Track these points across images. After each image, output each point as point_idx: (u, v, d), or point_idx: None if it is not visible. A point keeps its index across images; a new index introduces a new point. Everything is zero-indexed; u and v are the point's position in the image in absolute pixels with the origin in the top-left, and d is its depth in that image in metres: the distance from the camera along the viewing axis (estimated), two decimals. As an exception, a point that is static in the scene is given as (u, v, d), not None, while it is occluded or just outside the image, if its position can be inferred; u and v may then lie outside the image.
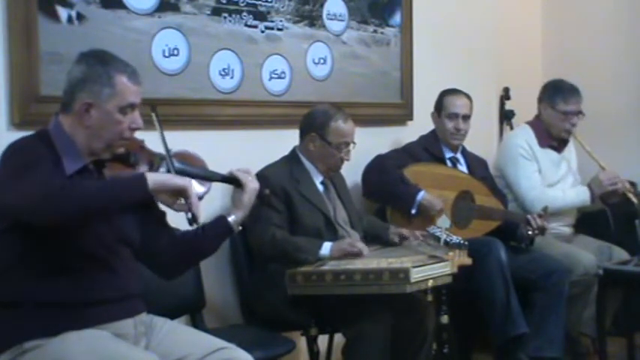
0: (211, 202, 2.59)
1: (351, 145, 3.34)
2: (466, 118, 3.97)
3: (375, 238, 3.43)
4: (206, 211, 2.58)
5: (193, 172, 2.43)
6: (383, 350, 3.05)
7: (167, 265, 2.48)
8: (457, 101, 3.96)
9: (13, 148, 2.23)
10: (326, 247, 3.16)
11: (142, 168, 2.37)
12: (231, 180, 2.49)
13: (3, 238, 2.21)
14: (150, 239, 2.43)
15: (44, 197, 2.07)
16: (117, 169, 2.33)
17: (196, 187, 2.39)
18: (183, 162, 2.43)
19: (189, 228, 2.33)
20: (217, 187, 2.59)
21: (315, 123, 3.32)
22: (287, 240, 3.15)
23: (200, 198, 2.38)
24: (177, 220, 2.47)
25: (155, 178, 2.19)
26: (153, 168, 2.37)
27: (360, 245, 3.17)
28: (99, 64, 2.28)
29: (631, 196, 4.09)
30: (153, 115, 2.40)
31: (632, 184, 4.17)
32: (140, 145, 2.42)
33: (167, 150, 2.36)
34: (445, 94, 4.00)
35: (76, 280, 2.23)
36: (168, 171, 2.34)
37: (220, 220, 2.49)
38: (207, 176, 2.49)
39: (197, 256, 2.58)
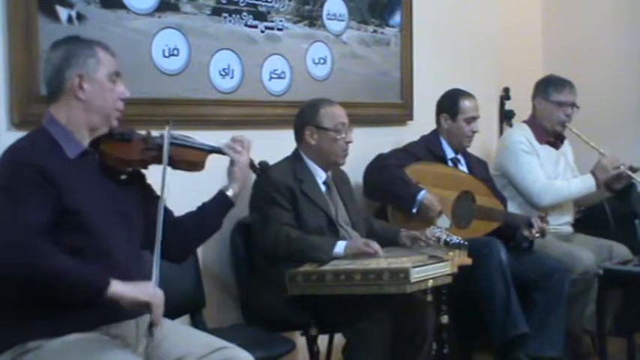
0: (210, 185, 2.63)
1: (348, 127, 3.33)
2: (477, 119, 3.99)
3: (387, 243, 3.41)
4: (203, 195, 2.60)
5: (185, 144, 2.48)
6: (382, 350, 3.05)
7: (174, 249, 2.47)
8: (473, 104, 3.97)
9: (9, 158, 2.24)
10: (340, 246, 3.16)
11: (137, 141, 2.41)
12: (221, 153, 2.54)
13: None
14: (152, 225, 2.43)
15: (5, 245, 2.09)
16: (114, 144, 2.37)
17: None
18: (176, 136, 2.47)
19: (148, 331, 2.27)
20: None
21: (305, 117, 3.34)
22: (301, 238, 3.15)
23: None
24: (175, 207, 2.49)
25: (116, 290, 2.16)
26: (148, 142, 2.41)
27: (376, 246, 3.17)
28: (76, 40, 2.36)
29: (635, 176, 4.09)
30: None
31: (633, 169, 4.14)
32: (131, 129, 2.46)
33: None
34: (459, 97, 3.97)
35: None
36: (161, 147, 2.38)
37: (220, 196, 2.53)
38: (199, 148, 2.52)
39: (203, 235, 2.60)
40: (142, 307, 2.22)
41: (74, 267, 2.17)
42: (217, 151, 2.54)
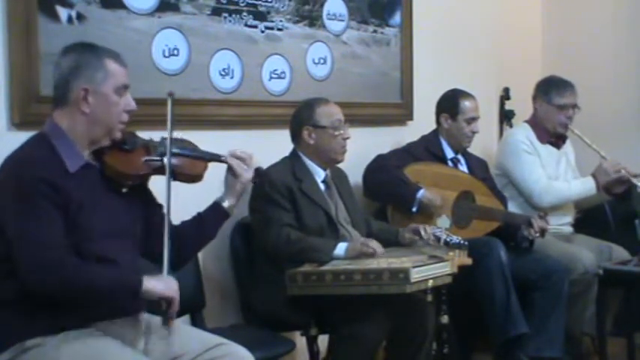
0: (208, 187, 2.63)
1: (345, 123, 3.34)
2: (478, 119, 3.99)
3: (387, 243, 3.41)
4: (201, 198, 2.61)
5: (188, 154, 2.48)
6: (373, 351, 3.07)
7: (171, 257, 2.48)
8: (474, 104, 3.97)
9: (14, 172, 2.22)
10: (341, 247, 3.16)
11: (139, 150, 2.40)
12: (227, 164, 2.54)
13: (3, 244, 2.21)
14: (151, 233, 2.44)
15: (40, 264, 2.13)
16: (115, 155, 2.36)
17: None
18: (178, 146, 2.48)
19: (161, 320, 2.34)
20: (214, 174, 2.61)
21: (302, 118, 3.35)
22: (302, 240, 3.15)
23: None
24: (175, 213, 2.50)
25: (148, 287, 2.24)
26: (150, 152, 2.41)
27: (375, 245, 3.17)
28: (87, 50, 2.33)
29: (636, 181, 4.08)
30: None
31: (634, 173, 4.14)
32: (132, 134, 2.46)
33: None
34: (460, 97, 3.97)
35: None
36: (162, 155, 2.38)
37: (216, 207, 2.53)
38: (202, 157, 2.52)
39: (198, 245, 2.60)
40: (163, 301, 2.27)
41: (106, 275, 2.23)
42: (222, 160, 2.53)
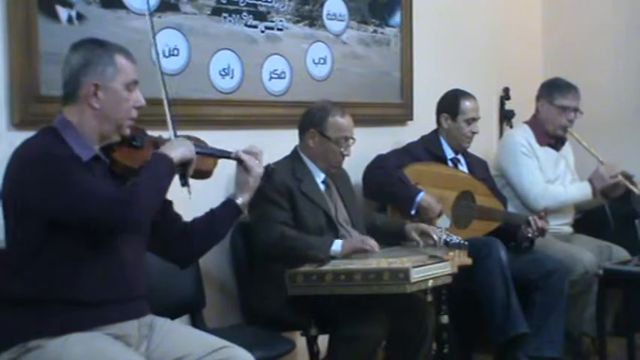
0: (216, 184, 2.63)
1: (350, 141, 3.33)
2: (478, 120, 3.99)
3: (392, 237, 3.40)
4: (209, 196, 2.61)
5: (198, 149, 2.47)
6: (373, 351, 3.07)
7: (181, 253, 2.48)
8: (474, 105, 3.97)
9: (38, 156, 2.21)
10: (337, 244, 3.16)
11: (148, 147, 2.40)
12: (238, 160, 2.52)
13: (13, 241, 2.21)
14: (161, 229, 2.44)
15: (116, 206, 2.15)
16: (124, 151, 2.36)
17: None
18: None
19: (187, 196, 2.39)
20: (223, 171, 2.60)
21: (313, 119, 3.33)
22: (296, 237, 3.14)
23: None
24: (182, 207, 2.50)
25: (175, 156, 2.30)
26: (159, 148, 2.40)
27: (372, 242, 3.16)
28: (97, 46, 2.33)
29: (632, 187, 4.08)
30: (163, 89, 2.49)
31: (629, 176, 4.15)
32: (142, 130, 2.46)
33: (173, 121, 2.43)
34: (460, 97, 3.96)
35: (82, 280, 2.23)
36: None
37: (229, 204, 2.53)
38: (212, 153, 2.52)
39: (210, 241, 2.59)
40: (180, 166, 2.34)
41: (146, 177, 2.26)
42: (233, 157, 2.53)
